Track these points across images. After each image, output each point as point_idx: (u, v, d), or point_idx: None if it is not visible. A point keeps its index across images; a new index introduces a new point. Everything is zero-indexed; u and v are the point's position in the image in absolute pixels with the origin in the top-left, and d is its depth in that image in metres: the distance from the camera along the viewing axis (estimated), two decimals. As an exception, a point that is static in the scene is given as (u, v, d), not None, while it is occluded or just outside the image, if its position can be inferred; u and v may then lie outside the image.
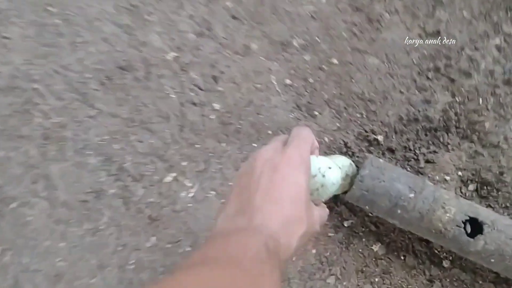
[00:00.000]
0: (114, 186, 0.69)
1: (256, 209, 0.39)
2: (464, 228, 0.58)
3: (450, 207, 0.59)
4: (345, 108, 0.71)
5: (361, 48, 0.74)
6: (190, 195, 0.68)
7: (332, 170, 0.50)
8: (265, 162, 0.42)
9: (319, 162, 0.50)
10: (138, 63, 0.76)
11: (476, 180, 0.65)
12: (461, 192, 0.65)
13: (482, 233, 0.58)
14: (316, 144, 0.53)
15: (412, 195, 0.59)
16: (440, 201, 0.59)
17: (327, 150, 0.70)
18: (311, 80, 0.73)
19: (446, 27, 0.76)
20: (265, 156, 0.43)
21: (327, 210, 0.49)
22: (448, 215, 0.58)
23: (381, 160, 0.63)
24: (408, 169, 0.67)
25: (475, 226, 0.59)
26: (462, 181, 0.65)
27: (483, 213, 0.59)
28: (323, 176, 0.49)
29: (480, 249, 0.58)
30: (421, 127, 0.69)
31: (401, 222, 0.61)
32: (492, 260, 0.58)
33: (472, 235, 0.58)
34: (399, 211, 0.60)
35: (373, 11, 0.77)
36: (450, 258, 0.62)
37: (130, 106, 0.73)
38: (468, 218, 0.58)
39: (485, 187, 0.64)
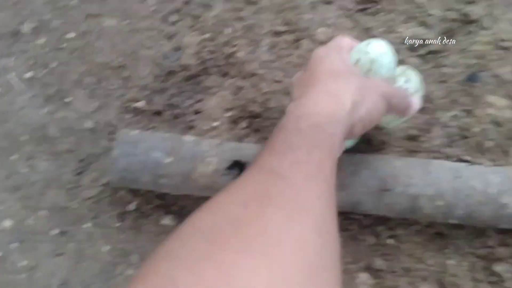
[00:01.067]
0: None
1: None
2: (231, 173, 0.55)
3: (211, 158, 0.54)
4: (97, 83, 0.63)
5: (93, 12, 0.65)
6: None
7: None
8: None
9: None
10: None
11: (245, 116, 0.60)
12: (235, 133, 0.60)
13: (246, 173, 0.54)
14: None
15: (169, 160, 0.54)
16: (199, 155, 0.54)
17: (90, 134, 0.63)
18: (53, 64, 0.64)
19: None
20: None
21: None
22: (210, 167, 0.54)
23: (135, 131, 0.57)
24: (181, 127, 0.62)
25: (242, 168, 0.55)
26: (232, 121, 0.60)
27: (247, 151, 0.55)
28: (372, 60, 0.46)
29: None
30: (180, 78, 0.63)
31: (171, 190, 0.56)
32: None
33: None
34: (163, 181, 0.55)
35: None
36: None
37: None
38: (232, 162, 0.55)
39: (255, 120, 0.60)
